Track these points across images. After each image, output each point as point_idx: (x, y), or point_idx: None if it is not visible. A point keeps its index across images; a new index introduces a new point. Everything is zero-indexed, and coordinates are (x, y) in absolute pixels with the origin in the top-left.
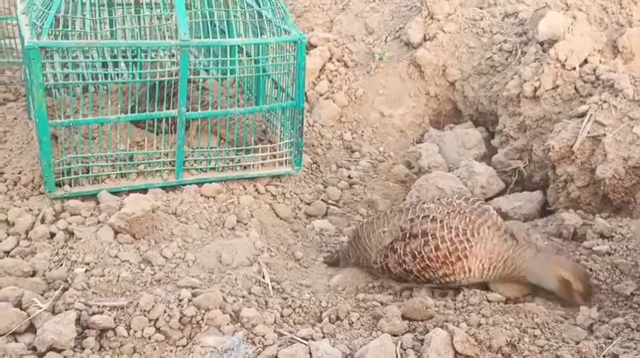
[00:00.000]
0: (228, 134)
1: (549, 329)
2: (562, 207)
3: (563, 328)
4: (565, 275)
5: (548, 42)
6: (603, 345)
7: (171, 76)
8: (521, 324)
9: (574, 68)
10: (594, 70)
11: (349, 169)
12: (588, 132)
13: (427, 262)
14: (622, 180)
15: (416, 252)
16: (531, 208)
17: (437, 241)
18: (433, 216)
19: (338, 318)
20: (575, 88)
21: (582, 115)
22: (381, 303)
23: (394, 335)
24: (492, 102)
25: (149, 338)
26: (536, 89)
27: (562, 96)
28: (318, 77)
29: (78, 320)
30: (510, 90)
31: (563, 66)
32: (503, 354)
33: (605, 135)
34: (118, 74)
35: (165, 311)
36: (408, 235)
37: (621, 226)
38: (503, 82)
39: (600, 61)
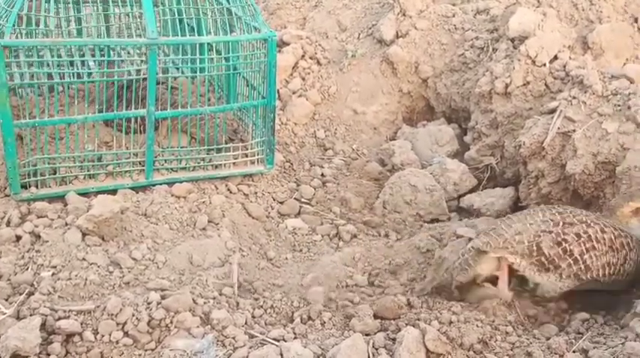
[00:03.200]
0: (199, 133)
1: (521, 325)
2: (533, 203)
3: (534, 325)
4: (629, 208)
5: (519, 38)
6: (573, 341)
7: (140, 74)
8: (492, 321)
9: (544, 64)
10: (564, 66)
11: (322, 167)
12: (558, 128)
13: (594, 242)
14: (591, 176)
15: (581, 232)
16: (503, 204)
17: (600, 225)
18: (580, 211)
19: (310, 318)
20: (546, 84)
21: (552, 111)
22: (353, 302)
23: (366, 335)
24: (465, 98)
25: (117, 342)
26: (507, 85)
27: (533, 93)
28: (291, 75)
29: (43, 326)
30: (482, 86)
31: (534, 62)
32: (474, 351)
33: (574, 130)
34: (86, 73)
35: (133, 315)
36: (562, 223)
37: None
38: (475, 78)
39: (570, 57)
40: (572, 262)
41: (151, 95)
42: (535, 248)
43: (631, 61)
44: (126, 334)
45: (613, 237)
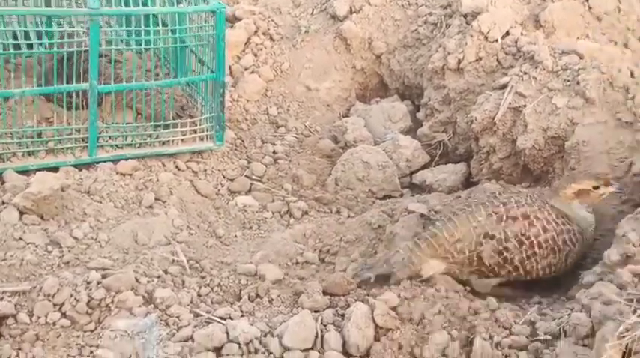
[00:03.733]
0: (144, 109)
1: (468, 298)
2: (485, 179)
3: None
4: (572, 189)
5: (472, 14)
6: (520, 313)
7: (82, 47)
8: (443, 296)
9: (496, 40)
10: (516, 42)
11: (274, 144)
12: (509, 104)
13: (535, 248)
14: (541, 150)
15: (523, 235)
16: (455, 180)
17: (542, 222)
18: (525, 201)
19: (258, 296)
20: (498, 60)
21: (504, 87)
22: (302, 279)
23: (315, 311)
24: (418, 75)
25: (54, 323)
26: (459, 61)
27: (485, 69)
28: (243, 51)
29: None
30: (435, 62)
31: (486, 38)
32: (424, 326)
33: (525, 106)
34: (25, 45)
35: (71, 295)
36: (505, 218)
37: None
38: (428, 54)
39: (522, 34)
40: (511, 269)
41: (93, 69)
42: (475, 258)
43: (582, 40)
44: (63, 315)
45: (555, 235)
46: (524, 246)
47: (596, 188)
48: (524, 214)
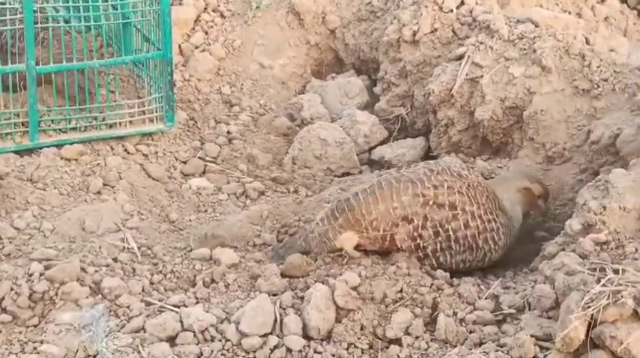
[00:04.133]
0: (88, 89)
1: (430, 275)
2: (444, 152)
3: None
4: (523, 184)
5: None
6: (483, 288)
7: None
8: (405, 274)
9: (451, 10)
10: (471, 12)
11: (228, 124)
12: (466, 75)
13: (451, 242)
14: (500, 121)
15: (441, 226)
16: (414, 155)
17: (467, 216)
18: (458, 189)
19: (213, 281)
20: (453, 31)
21: (460, 58)
22: (259, 262)
23: (274, 295)
24: (373, 49)
25: None
26: (415, 33)
27: (441, 40)
28: (193, 29)
29: None
30: (390, 35)
31: (441, 9)
32: (386, 305)
33: (482, 76)
34: None
35: (12, 289)
36: (431, 203)
37: (500, 167)
38: (383, 27)
39: (477, 3)
40: (422, 256)
41: (29, 48)
42: (388, 238)
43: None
44: (4, 310)
45: (477, 234)
46: (439, 238)
47: (539, 197)
48: (452, 204)
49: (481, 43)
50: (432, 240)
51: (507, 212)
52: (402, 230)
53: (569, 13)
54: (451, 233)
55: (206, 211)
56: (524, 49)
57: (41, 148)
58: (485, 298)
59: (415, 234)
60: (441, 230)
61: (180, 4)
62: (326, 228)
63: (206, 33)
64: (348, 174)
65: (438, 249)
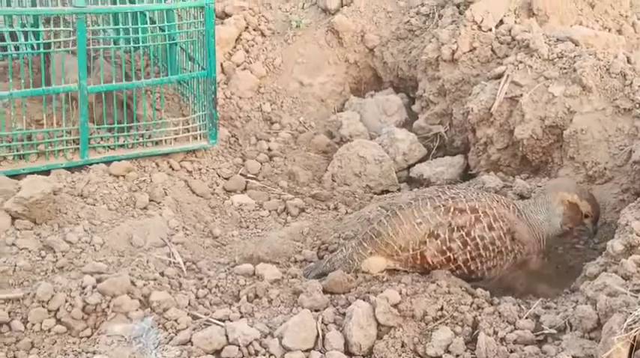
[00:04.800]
0: (135, 108)
1: (471, 294)
2: (483, 170)
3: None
4: (569, 197)
5: (465, 3)
6: (524, 308)
7: (68, 46)
8: (445, 292)
9: (490, 29)
10: (510, 31)
11: (269, 141)
12: (506, 94)
13: (480, 250)
14: (539, 140)
15: (467, 237)
16: (453, 173)
17: (489, 219)
18: (475, 197)
19: (256, 296)
20: (492, 49)
21: (499, 76)
22: (302, 278)
23: (315, 311)
24: (412, 67)
25: (49, 330)
26: (453, 52)
27: (479, 58)
28: (234, 47)
29: None
30: (428, 54)
31: (480, 27)
32: (426, 322)
33: (522, 95)
34: (11, 46)
35: (66, 301)
36: (452, 209)
37: (540, 186)
38: (421, 46)
39: (516, 22)
40: (454, 268)
41: (81, 68)
42: (419, 256)
43: (576, 26)
44: (58, 321)
45: (502, 234)
46: (468, 247)
47: (586, 215)
48: (472, 208)
49: (520, 61)
50: (461, 251)
51: (534, 224)
52: (430, 246)
53: (610, 30)
54: (478, 240)
55: (248, 227)
56: (564, 68)
57: (91, 164)
58: (526, 318)
59: (444, 247)
60: (468, 239)
61: (221, 23)
62: (350, 251)
63: (247, 51)
64: (387, 191)
65: (469, 258)
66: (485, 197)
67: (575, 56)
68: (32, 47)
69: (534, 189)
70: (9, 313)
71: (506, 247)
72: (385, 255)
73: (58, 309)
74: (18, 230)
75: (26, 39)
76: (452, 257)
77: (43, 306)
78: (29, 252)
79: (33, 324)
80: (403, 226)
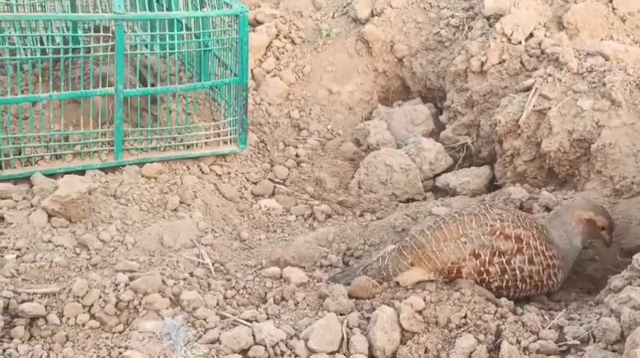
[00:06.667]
0: (169, 112)
1: (494, 303)
2: (509, 182)
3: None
4: (586, 215)
5: (495, 16)
6: (547, 318)
7: (107, 51)
8: (469, 300)
9: (520, 42)
10: (539, 44)
11: (297, 148)
12: (534, 106)
13: (517, 282)
14: (567, 153)
15: (507, 266)
16: (479, 183)
17: (531, 252)
18: (522, 223)
19: (283, 299)
20: (521, 62)
21: (528, 89)
22: (328, 282)
23: (340, 314)
24: (440, 77)
25: (83, 325)
26: (482, 64)
27: (508, 71)
28: (265, 54)
29: (6, 309)
30: (457, 65)
31: (509, 40)
32: (450, 330)
33: (550, 108)
34: (51, 50)
35: (100, 297)
36: (499, 233)
37: (566, 199)
38: (450, 57)
39: (545, 35)
40: (485, 287)
41: (119, 73)
42: (455, 271)
43: (606, 41)
44: (92, 316)
45: (541, 270)
46: (506, 276)
47: (603, 229)
48: (517, 236)
49: (549, 75)
50: (498, 277)
51: (558, 243)
52: (469, 264)
53: None
54: (517, 271)
55: (275, 231)
56: (594, 83)
57: (124, 166)
58: (549, 328)
59: (482, 268)
60: (507, 267)
61: (253, 30)
62: (387, 262)
63: (277, 59)
64: (412, 200)
65: (503, 286)
66: (525, 221)
67: (604, 70)
68: (71, 51)
69: (560, 201)
70: (45, 307)
71: (542, 281)
72: (424, 267)
73: (92, 305)
74: (54, 227)
75: (66, 43)
76: (487, 279)
77: (78, 301)
78: (65, 248)
79: (68, 318)
80: (448, 243)
